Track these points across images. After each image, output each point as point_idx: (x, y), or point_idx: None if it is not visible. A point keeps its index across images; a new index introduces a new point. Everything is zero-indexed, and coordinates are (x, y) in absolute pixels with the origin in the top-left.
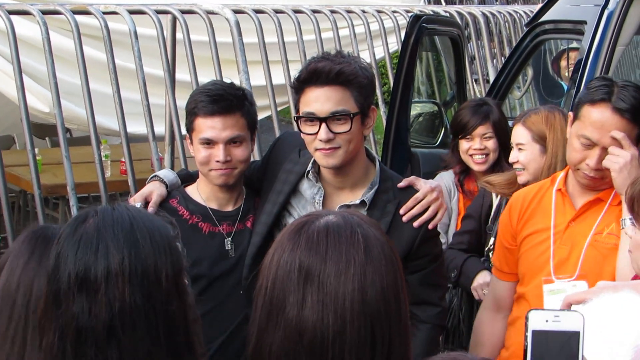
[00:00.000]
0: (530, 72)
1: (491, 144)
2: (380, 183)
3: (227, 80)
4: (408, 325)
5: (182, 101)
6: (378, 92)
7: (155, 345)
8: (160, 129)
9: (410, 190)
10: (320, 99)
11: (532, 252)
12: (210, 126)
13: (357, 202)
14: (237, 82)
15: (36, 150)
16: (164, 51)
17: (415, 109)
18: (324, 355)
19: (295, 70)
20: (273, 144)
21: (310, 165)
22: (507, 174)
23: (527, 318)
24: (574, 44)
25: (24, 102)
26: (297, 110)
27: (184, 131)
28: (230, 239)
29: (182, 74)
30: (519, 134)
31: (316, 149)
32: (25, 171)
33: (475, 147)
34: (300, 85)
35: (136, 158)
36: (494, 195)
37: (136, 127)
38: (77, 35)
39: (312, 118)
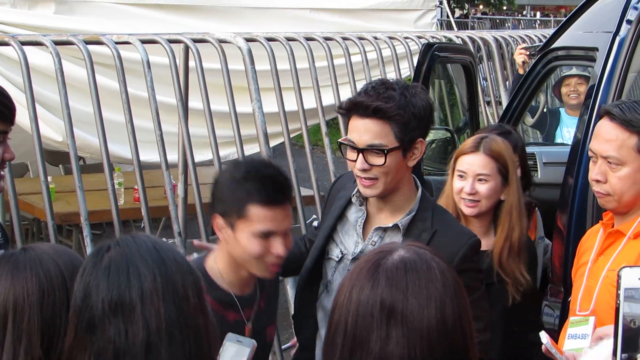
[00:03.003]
0: (542, 98)
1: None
2: (418, 211)
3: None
4: (476, 348)
5: (194, 129)
6: None
7: (189, 358)
8: (173, 156)
9: (453, 223)
10: (360, 130)
11: (575, 286)
12: (272, 217)
13: (390, 225)
14: (249, 110)
15: (49, 178)
16: (176, 80)
17: (428, 136)
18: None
19: (307, 96)
20: (334, 182)
21: (355, 189)
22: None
23: (619, 276)
24: (573, 70)
25: (37, 132)
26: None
27: (197, 158)
28: (250, 323)
29: (195, 102)
30: (484, 164)
31: (357, 176)
32: (39, 199)
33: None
34: (346, 112)
35: (149, 185)
36: None
37: (149, 155)
38: (90, 65)
39: (352, 146)
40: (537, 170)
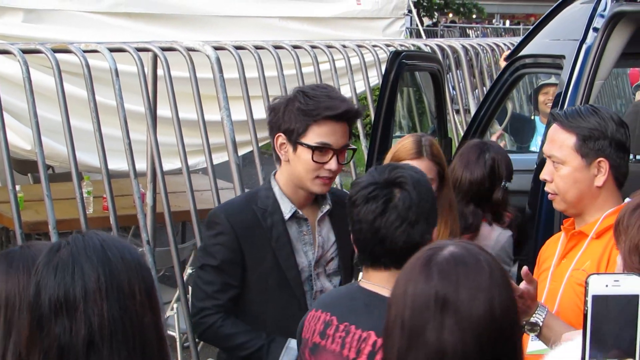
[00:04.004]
0: (510, 106)
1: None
2: (331, 193)
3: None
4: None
5: (163, 137)
6: (359, 126)
7: (132, 357)
8: (142, 165)
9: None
10: (338, 133)
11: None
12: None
13: (325, 211)
14: (218, 118)
15: (18, 186)
16: (144, 88)
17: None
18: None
19: None
20: (226, 225)
21: (290, 204)
22: None
23: (587, 283)
24: (552, 79)
25: (5, 141)
26: (298, 134)
27: (165, 167)
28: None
29: (164, 110)
30: (428, 169)
31: (318, 177)
32: (7, 208)
33: None
34: (318, 118)
35: (118, 194)
36: None
37: (118, 163)
38: (58, 74)
39: (327, 148)
40: None
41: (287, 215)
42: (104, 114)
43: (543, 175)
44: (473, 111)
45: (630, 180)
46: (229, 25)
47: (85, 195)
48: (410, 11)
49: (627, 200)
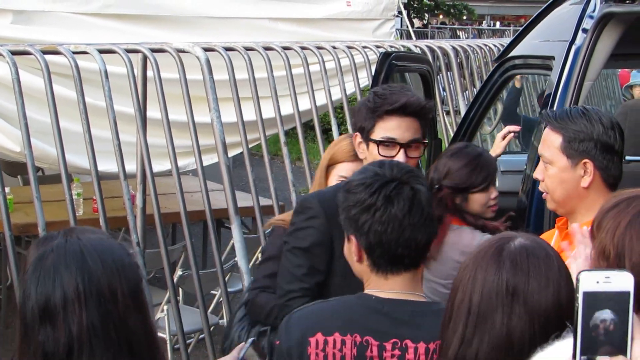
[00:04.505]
0: (500, 106)
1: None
2: None
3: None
4: None
5: (153, 139)
6: (349, 127)
7: (119, 359)
8: (132, 166)
9: None
10: (402, 128)
11: None
12: (394, 127)
13: None
14: (208, 120)
15: (7, 188)
16: (134, 90)
17: None
18: (524, 353)
19: (266, 106)
20: (319, 210)
21: None
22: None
23: (577, 280)
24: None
25: None
26: (367, 133)
27: (155, 168)
28: None
29: (153, 111)
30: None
31: None
32: None
33: (494, 196)
34: (386, 112)
35: (108, 196)
36: None
37: (107, 165)
38: (47, 75)
39: (395, 143)
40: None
41: None
42: (94, 115)
43: (535, 174)
44: (463, 112)
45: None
46: (218, 27)
47: (75, 197)
48: (400, 12)
49: None
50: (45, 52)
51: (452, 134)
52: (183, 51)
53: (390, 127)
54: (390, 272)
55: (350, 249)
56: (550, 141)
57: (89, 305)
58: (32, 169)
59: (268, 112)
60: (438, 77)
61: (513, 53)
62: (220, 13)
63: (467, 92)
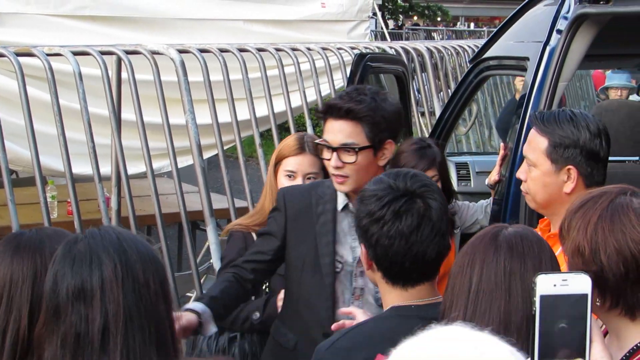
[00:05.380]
0: (475, 107)
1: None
2: None
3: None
4: None
5: (127, 141)
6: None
7: (146, 343)
8: (107, 169)
9: None
10: (334, 131)
11: None
12: (326, 130)
13: None
14: (183, 122)
15: None
16: (108, 92)
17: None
18: (527, 335)
19: (241, 108)
20: (282, 201)
21: (344, 197)
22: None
23: (534, 283)
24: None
25: None
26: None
27: (130, 171)
28: None
29: (128, 113)
30: (312, 163)
31: (331, 174)
32: None
33: None
34: (323, 115)
35: (83, 198)
36: None
37: (82, 167)
38: (21, 78)
39: (327, 146)
40: (470, 180)
41: (340, 206)
42: (68, 117)
43: (518, 174)
44: (438, 113)
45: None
46: (193, 29)
47: (49, 199)
48: (375, 14)
49: None
50: (18, 54)
51: (427, 135)
52: (157, 53)
53: (326, 130)
54: (405, 284)
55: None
56: (536, 143)
57: (125, 286)
58: (6, 171)
59: (243, 113)
60: (413, 78)
61: (488, 54)
62: (195, 15)
63: (441, 93)
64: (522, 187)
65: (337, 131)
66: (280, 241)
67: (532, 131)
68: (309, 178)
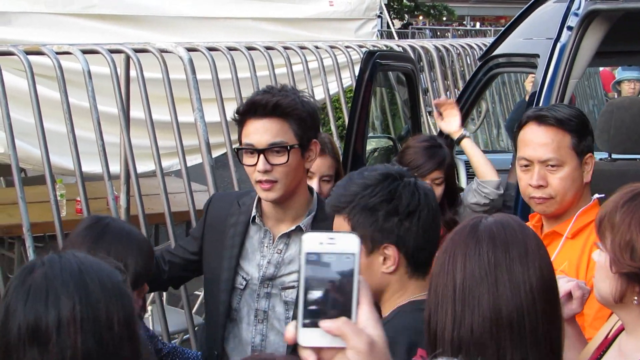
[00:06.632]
0: (484, 105)
1: (440, 190)
2: (318, 211)
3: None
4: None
5: (137, 139)
6: (333, 127)
7: None
8: (115, 167)
9: None
10: (259, 131)
11: None
12: (250, 131)
13: (293, 227)
14: (192, 120)
15: None
16: (117, 90)
17: (370, 144)
18: (521, 328)
19: None
20: (206, 207)
21: (254, 209)
22: None
23: (301, 240)
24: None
25: None
26: (240, 142)
27: (139, 169)
28: None
29: (137, 112)
30: (329, 165)
31: (256, 181)
32: None
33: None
34: (241, 117)
35: (91, 197)
36: None
37: (91, 166)
38: (31, 76)
39: (251, 149)
40: None
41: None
42: (77, 116)
43: (537, 182)
44: None
45: (606, 179)
46: (201, 27)
47: (58, 198)
48: (382, 12)
49: (595, 196)
50: (28, 53)
51: (434, 134)
52: (166, 51)
53: (247, 132)
54: (424, 274)
55: (372, 262)
56: (558, 141)
57: (85, 329)
58: (17, 170)
59: None
60: (421, 76)
61: (497, 51)
62: (203, 13)
63: (449, 91)
64: (539, 194)
65: (263, 131)
66: (197, 247)
67: (543, 132)
68: (325, 180)
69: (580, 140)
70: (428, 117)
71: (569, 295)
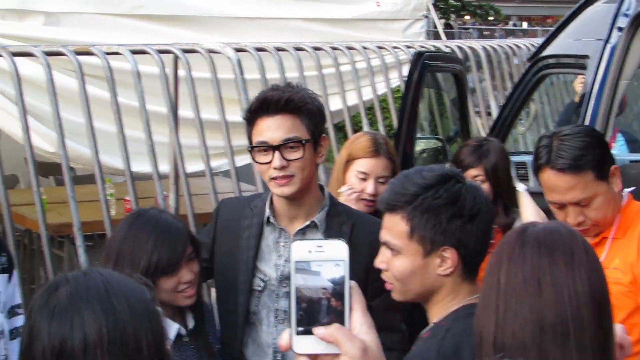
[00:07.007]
0: (533, 106)
1: (483, 189)
2: (330, 206)
3: None
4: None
5: (185, 139)
6: (381, 127)
7: None
8: (164, 167)
9: (363, 214)
10: (272, 127)
11: None
12: (263, 129)
13: (308, 223)
14: (240, 120)
15: (41, 189)
16: (166, 90)
17: (419, 145)
18: (565, 335)
19: None
20: (216, 212)
21: (267, 210)
22: None
23: (290, 249)
24: None
25: (29, 143)
26: (250, 142)
27: (188, 169)
28: None
29: (185, 111)
30: (384, 166)
31: (271, 178)
32: (30, 210)
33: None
34: (252, 116)
35: (140, 196)
36: None
37: (140, 165)
38: (81, 76)
39: (265, 147)
40: (528, 179)
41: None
42: (126, 116)
43: (576, 221)
44: (494, 113)
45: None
46: (249, 27)
47: (107, 197)
48: (429, 12)
49: (626, 191)
50: (78, 53)
51: (483, 134)
52: (214, 52)
53: (259, 130)
54: (475, 277)
55: (428, 263)
56: (583, 182)
57: (112, 353)
58: (67, 169)
59: None
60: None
61: (546, 52)
62: (251, 13)
63: (496, 92)
64: (583, 227)
65: (276, 127)
66: (208, 254)
67: (564, 178)
68: (380, 181)
69: (602, 167)
70: (475, 116)
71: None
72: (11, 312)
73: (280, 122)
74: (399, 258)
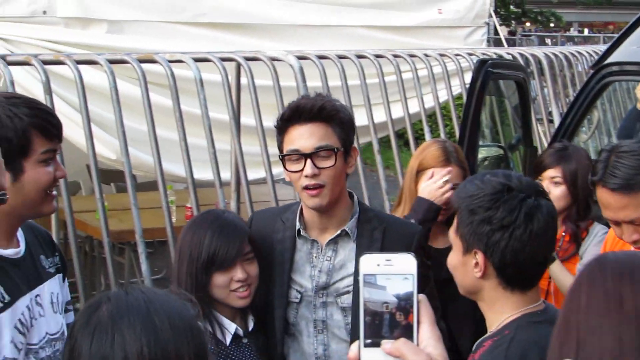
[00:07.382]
0: (596, 114)
1: (558, 191)
2: (360, 213)
3: None
4: None
5: (247, 146)
6: (442, 135)
7: None
8: (226, 174)
9: (395, 217)
10: (305, 135)
11: None
12: (295, 137)
13: (339, 232)
14: None
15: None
16: (229, 97)
17: (481, 153)
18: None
19: (359, 114)
20: (249, 224)
21: (297, 222)
22: None
23: (358, 262)
24: None
25: (93, 150)
26: (281, 150)
27: (250, 176)
28: None
29: (248, 119)
30: (456, 174)
31: (302, 188)
32: (92, 217)
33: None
34: (284, 124)
35: (201, 204)
36: None
37: (201, 172)
38: (144, 83)
39: (297, 155)
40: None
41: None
42: (188, 123)
43: (631, 239)
44: (556, 120)
45: None
46: (311, 35)
47: (169, 204)
48: (491, 19)
49: None
50: (141, 61)
51: (544, 142)
52: (277, 59)
53: (291, 139)
54: (525, 288)
55: (467, 262)
56: (635, 203)
57: None
58: (130, 176)
59: (361, 120)
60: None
61: (610, 59)
62: (313, 21)
63: (558, 100)
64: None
65: (309, 135)
66: None
67: (616, 198)
68: (453, 189)
69: None
70: (537, 123)
71: None
72: (65, 310)
73: (313, 130)
74: (452, 251)
